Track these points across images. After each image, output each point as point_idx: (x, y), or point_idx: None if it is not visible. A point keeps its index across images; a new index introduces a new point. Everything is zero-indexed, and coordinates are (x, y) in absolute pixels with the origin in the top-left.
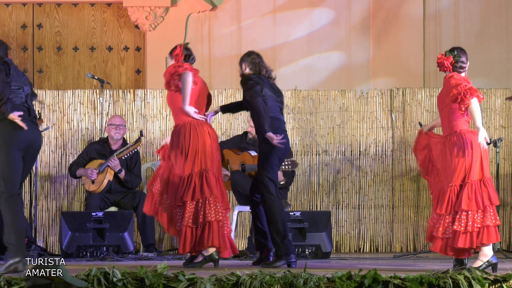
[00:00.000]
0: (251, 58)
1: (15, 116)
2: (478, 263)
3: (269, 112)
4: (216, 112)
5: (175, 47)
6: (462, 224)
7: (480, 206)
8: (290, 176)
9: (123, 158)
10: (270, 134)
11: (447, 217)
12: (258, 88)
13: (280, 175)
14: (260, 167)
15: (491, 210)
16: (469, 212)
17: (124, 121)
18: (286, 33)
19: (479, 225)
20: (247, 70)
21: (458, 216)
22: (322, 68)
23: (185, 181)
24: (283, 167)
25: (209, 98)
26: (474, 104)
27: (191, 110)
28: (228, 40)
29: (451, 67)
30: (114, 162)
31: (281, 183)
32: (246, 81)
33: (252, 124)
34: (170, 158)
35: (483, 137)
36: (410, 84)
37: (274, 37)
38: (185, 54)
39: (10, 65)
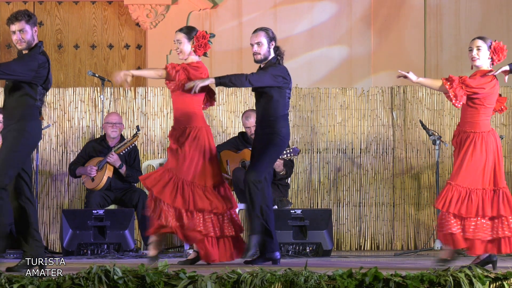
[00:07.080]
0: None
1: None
2: None
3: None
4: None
5: (202, 32)
6: (506, 229)
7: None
8: (289, 166)
9: (121, 153)
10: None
11: (484, 221)
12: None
13: (280, 165)
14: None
15: None
16: (509, 218)
17: (120, 118)
18: (287, 28)
19: None
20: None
21: (500, 222)
22: (323, 63)
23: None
24: (284, 155)
25: (211, 93)
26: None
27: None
28: (229, 37)
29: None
30: (113, 157)
31: (281, 173)
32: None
33: (248, 125)
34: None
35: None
36: None
37: (275, 32)
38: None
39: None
